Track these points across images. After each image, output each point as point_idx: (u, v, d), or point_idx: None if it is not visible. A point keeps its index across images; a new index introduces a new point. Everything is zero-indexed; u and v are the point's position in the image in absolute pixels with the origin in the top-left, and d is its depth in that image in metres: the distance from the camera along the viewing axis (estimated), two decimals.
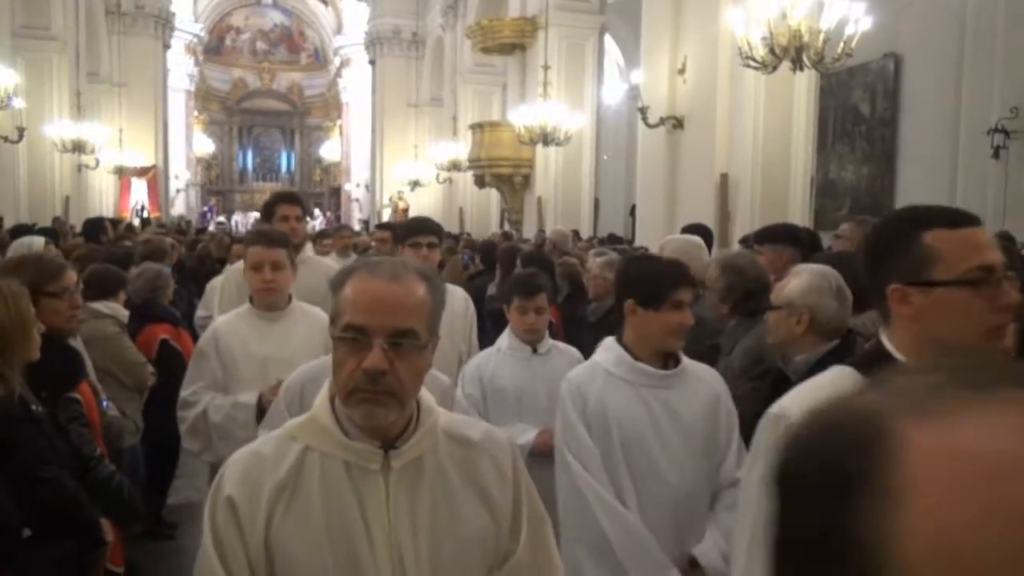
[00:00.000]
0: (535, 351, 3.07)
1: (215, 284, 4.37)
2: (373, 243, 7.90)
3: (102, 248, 5.97)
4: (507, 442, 1.46)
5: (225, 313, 3.15)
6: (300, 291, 3.06)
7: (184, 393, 2.94)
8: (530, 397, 3.00)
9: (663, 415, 2.27)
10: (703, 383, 2.37)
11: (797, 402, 1.42)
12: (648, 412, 2.27)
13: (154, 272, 4.60)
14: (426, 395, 1.39)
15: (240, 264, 3.35)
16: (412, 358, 1.27)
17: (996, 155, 9.63)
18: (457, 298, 3.50)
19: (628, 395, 2.28)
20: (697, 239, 3.56)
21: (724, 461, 2.34)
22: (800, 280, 2.42)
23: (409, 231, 3.44)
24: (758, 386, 2.62)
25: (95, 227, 8.15)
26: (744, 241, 5.47)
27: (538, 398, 2.96)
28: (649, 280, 2.31)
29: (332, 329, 1.31)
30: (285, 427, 1.36)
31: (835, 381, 1.40)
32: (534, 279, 3.11)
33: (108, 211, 18.32)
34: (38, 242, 4.60)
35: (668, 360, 2.33)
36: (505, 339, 3.12)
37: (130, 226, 12.62)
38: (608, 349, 2.37)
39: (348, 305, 1.29)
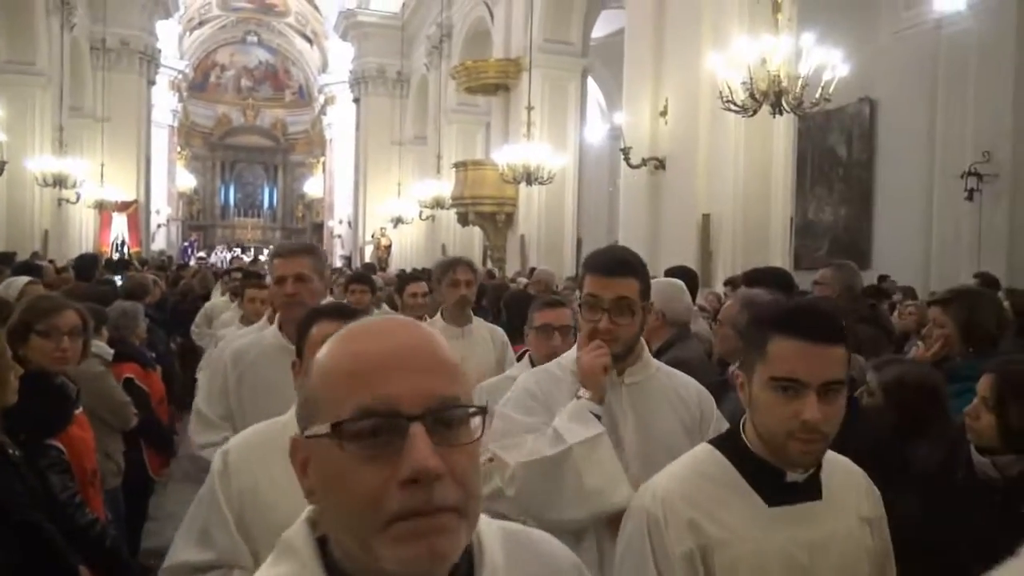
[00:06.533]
0: None
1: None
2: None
3: (86, 285, 5.88)
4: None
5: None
6: None
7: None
8: None
9: None
10: None
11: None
12: None
13: (119, 311, 4.46)
14: None
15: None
16: None
17: (970, 197, 9.83)
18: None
19: None
20: (678, 282, 3.53)
21: None
22: None
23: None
24: None
25: (89, 264, 8.02)
26: (730, 283, 5.49)
27: None
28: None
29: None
30: None
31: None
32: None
33: (88, 246, 18.16)
34: (17, 283, 4.53)
35: None
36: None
37: (108, 262, 12.46)
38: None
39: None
